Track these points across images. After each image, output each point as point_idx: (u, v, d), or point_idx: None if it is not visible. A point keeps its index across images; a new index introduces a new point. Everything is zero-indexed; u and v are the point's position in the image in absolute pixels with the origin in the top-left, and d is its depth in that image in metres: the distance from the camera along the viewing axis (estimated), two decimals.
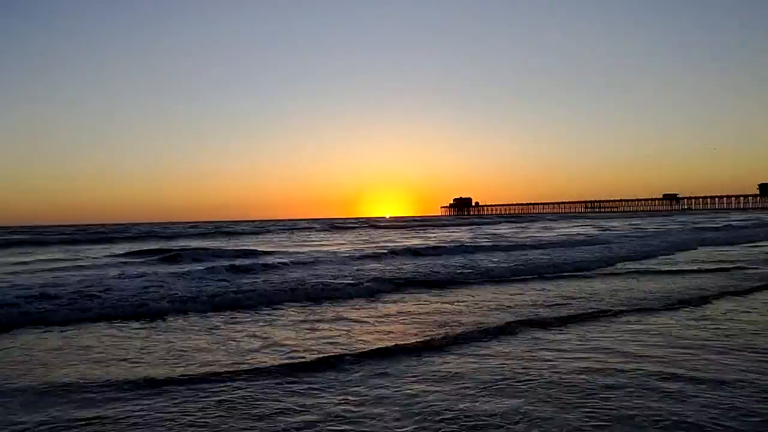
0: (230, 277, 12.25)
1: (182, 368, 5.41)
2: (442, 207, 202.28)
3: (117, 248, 27.96)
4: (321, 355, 5.73)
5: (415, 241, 29.25)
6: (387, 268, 14.25)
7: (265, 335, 6.88)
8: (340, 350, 5.96)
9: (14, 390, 4.81)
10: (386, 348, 5.93)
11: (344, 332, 6.98)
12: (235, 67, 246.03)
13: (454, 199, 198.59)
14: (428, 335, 6.65)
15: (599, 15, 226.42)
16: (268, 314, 8.40)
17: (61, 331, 7.33)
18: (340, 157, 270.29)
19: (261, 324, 7.63)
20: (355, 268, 14.34)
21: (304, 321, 7.80)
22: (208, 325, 7.65)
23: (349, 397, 4.46)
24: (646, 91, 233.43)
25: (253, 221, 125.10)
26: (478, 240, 27.99)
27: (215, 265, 14.37)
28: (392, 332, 6.96)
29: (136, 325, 7.74)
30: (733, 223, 41.80)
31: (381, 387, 4.70)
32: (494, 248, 20.64)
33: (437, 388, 4.62)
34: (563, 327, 6.91)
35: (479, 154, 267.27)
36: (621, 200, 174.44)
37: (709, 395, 4.27)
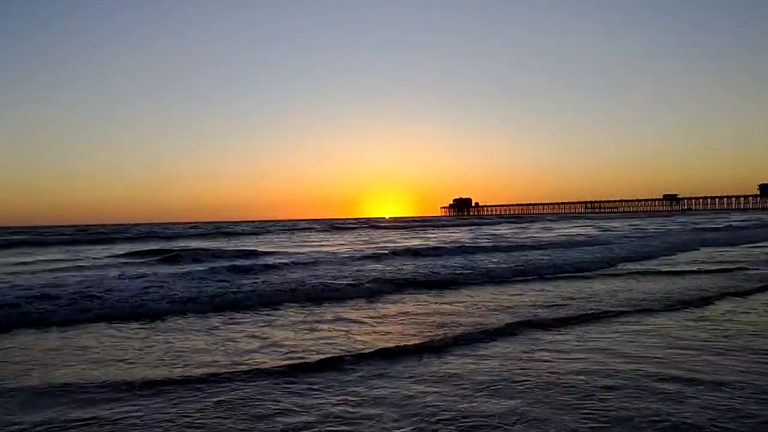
0: (230, 278, 12.24)
1: (181, 369, 5.41)
2: (441, 207, 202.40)
3: (117, 249, 27.98)
4: (320, 356, 5.73)
5: (415, 242, 29.25)
6: (387, 268, 14.25)
7: (264, 336, 6.88)
8: (340, 351, 5.96)
9: (12, 390, 4.81)
10: (386, 349, 5.93)
11: (344, 333, 6.97)
12: (235, 66, 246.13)
13: (454, 200, 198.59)
14: (427, 336, 6.65)
15: (599, 15, 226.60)
16: (268, 315, 8.39)
17: (61, 332, 7.33)
18: (340, 157, 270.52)
19: (260, 325, 7.63)
20: (355, 268, 14.34)
21: (304, 321, 7.80)
22: (207, 325, 7.65)
23: (348, 398, 4.46)
24: (646, 92, 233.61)
25: (253, 222, 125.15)
26: (478, 241, 27.98)
27: (215, 266, 14.37)
28: (392, 333, 6.95)
29: (135, 325, 7.74)
30: (734, 223, 41.78)
31: (380, 388, 4.70)
32: (494, 249, 20.63)
33: (436, 389, 4.62)
34: (562, 328, 6.91)
35: (479, 155, 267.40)
36: (621, 201, 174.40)
37: (708, 396, 4.26)
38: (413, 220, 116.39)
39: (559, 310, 8.15)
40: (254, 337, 6.84)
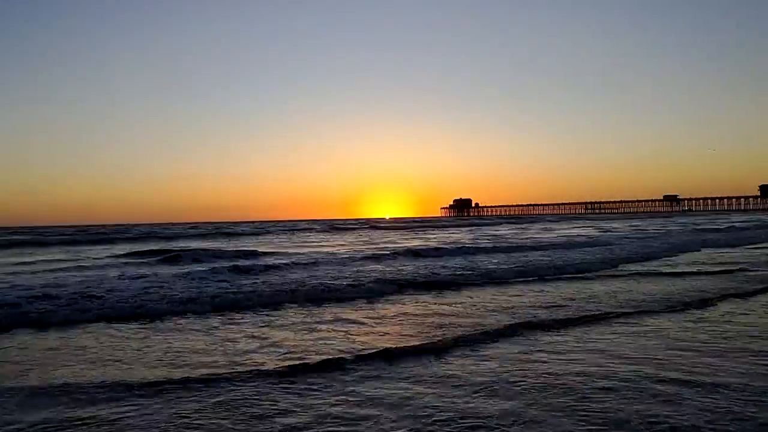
0: (230, 278, 12.25)
1: (179, 369, 5.41)
2: (442, 208, 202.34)
3: (117, 249, 28.00)
4: (320, 356, 5.73)
5: (415, 243, 29.25)
6: (387, 269, 14.25)
7: (264, 336, 6.88)
8: (339, 351, 5.96)
9: (10, 389, 4.81)
10: (385, 349, 5.92)
11: (343, 333, 6.97)
12: (235, 66, 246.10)
13: (454, 200, 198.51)
14: (427, 337, 6.65)
15: (598, 16, 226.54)
16: (268, 315, 8.40)
17: (60, 332, 7.33)
18: (340, 158, 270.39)
19: (260, 325, 7.63)
20: (355, 269, 14.34)
21: (304, 322, 7.80)
22: (206, 326, 7.65)
23: (347, 398, 4.46)
24: (645, 92, 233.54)
25: (253, 222, 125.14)
26: (478, 241, 27.98)
27: (215, 266, 14.38)
28: (391, 334, 6.96)
29: (134, 325, 7.75)
30: (735, 224, 41.75)
31: (379, 388, 4.70)
32: (494, 250, 20.63)
33: (434, 390, 4.62)
34: (561, 329, 6.91)
35: (479, 155, 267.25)
36: (621, 201, 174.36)
37: (706, 398, 4.26)
38: (413, 220, 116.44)
39: (558, 312, 8.15)
40: (254, 337, 6.84)
